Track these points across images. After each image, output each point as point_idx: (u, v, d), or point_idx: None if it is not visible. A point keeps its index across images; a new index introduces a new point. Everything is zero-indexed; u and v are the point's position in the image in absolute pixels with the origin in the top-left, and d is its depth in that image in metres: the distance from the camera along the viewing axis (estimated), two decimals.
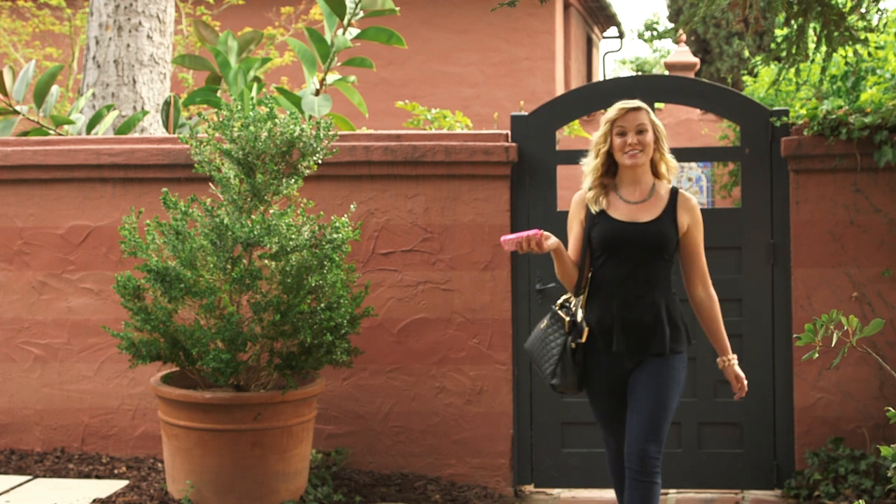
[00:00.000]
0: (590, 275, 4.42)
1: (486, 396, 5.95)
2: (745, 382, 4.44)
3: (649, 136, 4.34)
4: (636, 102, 4.40)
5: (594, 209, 4.39)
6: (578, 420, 5.90)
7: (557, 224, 5.20)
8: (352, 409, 6.01)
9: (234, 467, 5.17)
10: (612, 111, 4.39)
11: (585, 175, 4.45)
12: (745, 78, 12.18)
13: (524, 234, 4.25)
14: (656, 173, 4.43)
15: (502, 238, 4.29)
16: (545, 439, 5.95)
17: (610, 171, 4.43)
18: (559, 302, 4.50)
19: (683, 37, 17.55)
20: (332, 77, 7.09)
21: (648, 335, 4.31)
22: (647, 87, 6.19)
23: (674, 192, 4.42)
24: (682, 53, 17.16)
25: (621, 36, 23.60)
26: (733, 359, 4.45)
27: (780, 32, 8.25)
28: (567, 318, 4.40)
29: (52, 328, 6.17)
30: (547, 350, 4.45)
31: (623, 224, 4.35)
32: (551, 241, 4.29)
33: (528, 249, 4.25)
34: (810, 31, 6.43)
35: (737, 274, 5.84)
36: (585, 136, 8.05)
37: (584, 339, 4.35)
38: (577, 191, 4.52)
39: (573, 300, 4.45)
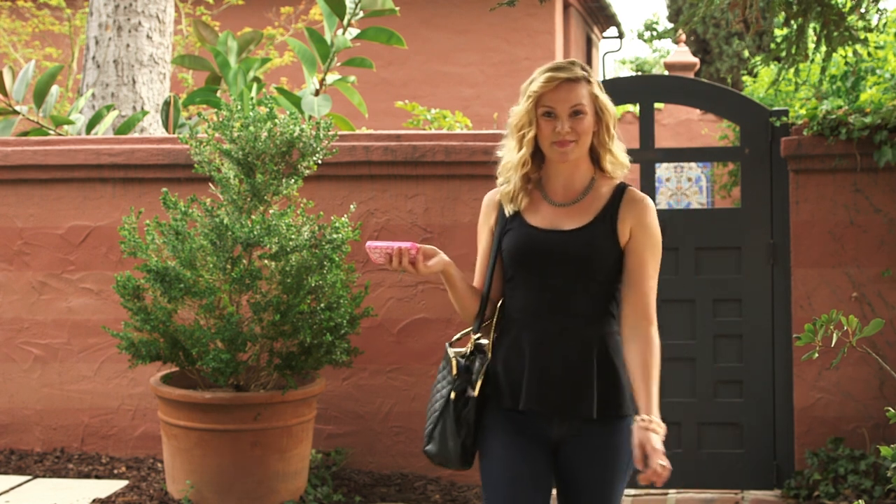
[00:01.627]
0: (500, 303, 3.23)
1: None
2: (659, 466, 2.91)
3: (587, 121, 3.08)
4: (573, 70, 3.09)
5: (508, 209, 3.20)
6: None
7: None
8: (352, 409, 6.01)
9: (234, 467, 5.17)
10: (538, 81, 3.08)
11: (502, 169, 3.21)
12: (744, 78, 12.18)
13: (395, 244, 3.06)
14: (599, 165, 3.18)
15: (368, 244, 3.08)
16: None
17: (535, 160, 3.18)
18: (456, 338, 3.30)
19: (683, 37, 17.57)
20: (331, 77, 7.09)
21: (572, 390, 3.08)
22: (646, 87, 6.19)
23: (619, 190, 3.16)
24: (682, 53, 17.19)
25: (621, 36, 23.61)
26: (650, 423, 2.98)
27: (779, 32, 8.24)
28: (455, 361, 3.19)
29: (52, 328, 6.16)
30: (431, 403, 3.25)
31: (539, 232, 3.13)
32: (434, 261, 3.10)
33: (400, 268, 3.07)
34: (810, 31, 6.43)
35: (737, 274, 5.84)
36: None
37: (476, 392, 3.12)
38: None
39: (475, 336, 3.24)
